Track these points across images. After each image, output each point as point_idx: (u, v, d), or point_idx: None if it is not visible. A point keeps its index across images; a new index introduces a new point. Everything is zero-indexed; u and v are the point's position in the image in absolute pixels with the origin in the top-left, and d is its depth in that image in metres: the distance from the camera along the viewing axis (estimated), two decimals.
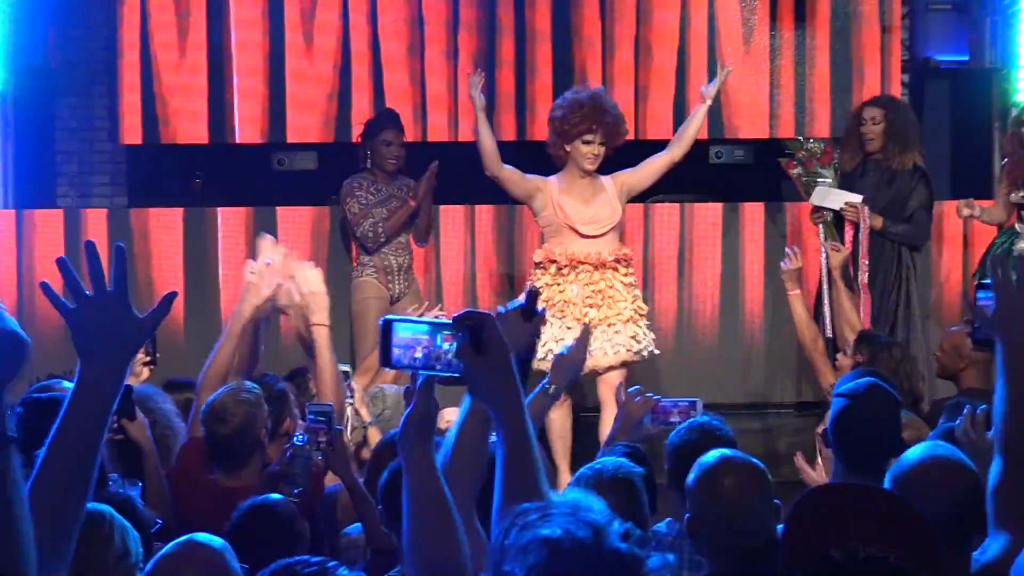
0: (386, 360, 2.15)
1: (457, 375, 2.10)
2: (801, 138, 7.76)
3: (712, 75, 8.48)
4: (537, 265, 6.93)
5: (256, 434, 4.28)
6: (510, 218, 8.07)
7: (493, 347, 2.05)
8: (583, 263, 6.79)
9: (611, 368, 6.72)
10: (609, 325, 6.79)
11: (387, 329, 2.14)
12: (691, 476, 3.03)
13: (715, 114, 8.52)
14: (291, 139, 8.54)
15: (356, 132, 8.07)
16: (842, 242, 7.14)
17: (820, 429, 4.74)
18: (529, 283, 6.85)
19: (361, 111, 8.35)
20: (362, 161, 7.41)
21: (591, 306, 6.76)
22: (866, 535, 1.79)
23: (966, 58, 8.82)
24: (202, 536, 2.85)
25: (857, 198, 7.14)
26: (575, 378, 4.47)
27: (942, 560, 1.82)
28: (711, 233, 8.15)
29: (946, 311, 7.99)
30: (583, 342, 4.34)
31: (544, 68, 8.50)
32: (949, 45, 8.88)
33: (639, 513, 3.28)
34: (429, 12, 8.47)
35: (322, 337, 4.91)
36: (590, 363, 6.48)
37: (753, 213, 8.18)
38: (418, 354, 2.12)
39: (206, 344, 7.67)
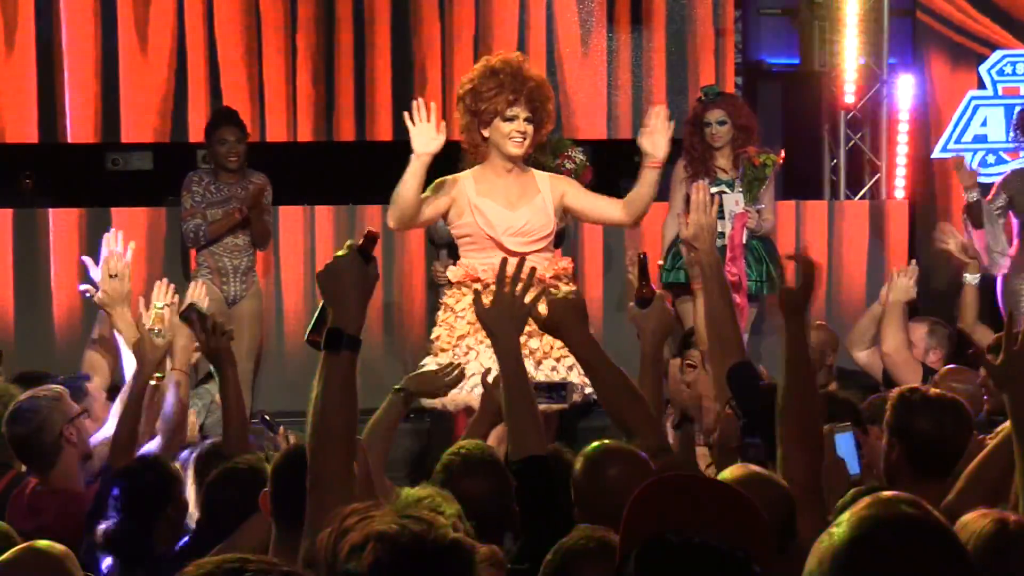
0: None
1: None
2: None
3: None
4: (454, 285, 5.37)
5: (55, 431, 4.20)
6: (349, 218, 8.03)
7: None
8: None
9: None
10: (558, 359, 5.21)
11: None
12: (576, 468, 3.08)
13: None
14: (125, 139, 8.38)
15: (192, 133, 7.96)
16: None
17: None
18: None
19: (198, 111, 8.23)
20: (205, 161, 7.33)
21: (529, 335, 4.94)
22: (703, 523, 1.84)
23: (796, 61, 9.06)
24: (43, 543, 2.85)
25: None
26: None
27: (774, 553, 1.89)
28: None
29: None
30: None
31: (383, 72, 8.47)
32: (780, 49, 9.12)
33: (508, 494, 3.17)
34: (266, 13, 8.38)
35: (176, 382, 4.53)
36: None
37: None
38: None
39: (37, 347, 7.54)
